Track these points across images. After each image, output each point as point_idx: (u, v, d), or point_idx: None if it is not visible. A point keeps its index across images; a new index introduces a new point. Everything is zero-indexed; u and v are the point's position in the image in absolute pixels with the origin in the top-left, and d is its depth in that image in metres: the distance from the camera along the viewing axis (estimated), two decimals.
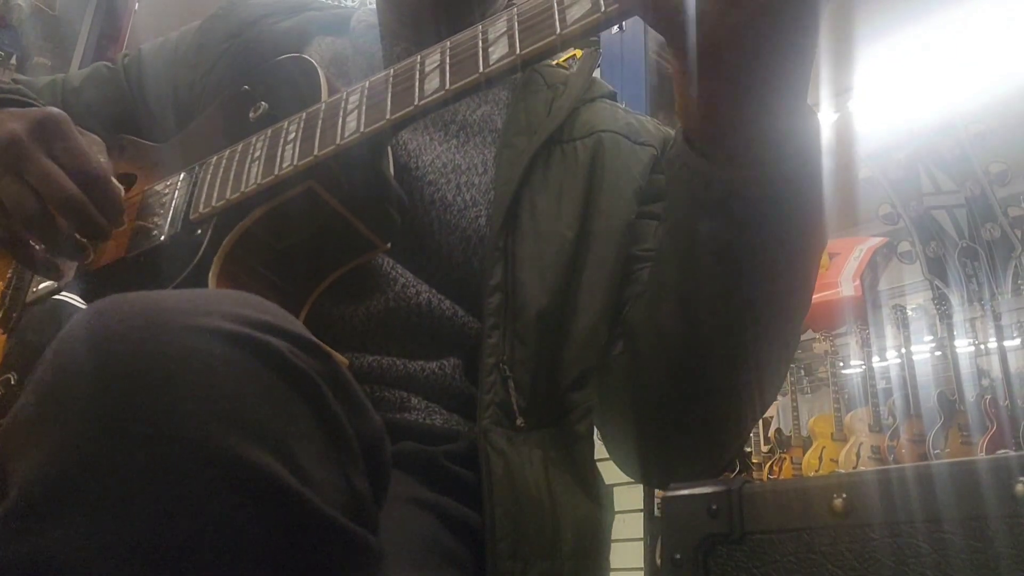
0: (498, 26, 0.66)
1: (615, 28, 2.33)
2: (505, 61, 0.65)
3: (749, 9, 0.54)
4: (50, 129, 0.77)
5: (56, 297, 0.88)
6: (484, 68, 0.65)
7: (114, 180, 0.79)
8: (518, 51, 0.64)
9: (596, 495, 0.84)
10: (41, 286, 0.91)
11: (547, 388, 0.82)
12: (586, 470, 0.84)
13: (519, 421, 0.78)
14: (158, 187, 0.87)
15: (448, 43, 0.70)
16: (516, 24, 0.65)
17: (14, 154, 0.76)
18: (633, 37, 2.42)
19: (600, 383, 0.85)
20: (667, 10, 0.56)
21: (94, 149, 0.82)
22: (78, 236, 0.79)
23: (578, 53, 2.17)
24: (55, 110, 0.80)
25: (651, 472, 0.86)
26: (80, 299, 0.86)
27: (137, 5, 2.95)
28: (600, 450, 0.87)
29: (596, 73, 1.05)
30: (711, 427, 0.77)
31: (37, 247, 0.80)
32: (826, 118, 4.24)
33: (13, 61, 2.59)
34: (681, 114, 0.63)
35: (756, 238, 0.64)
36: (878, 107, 3.96)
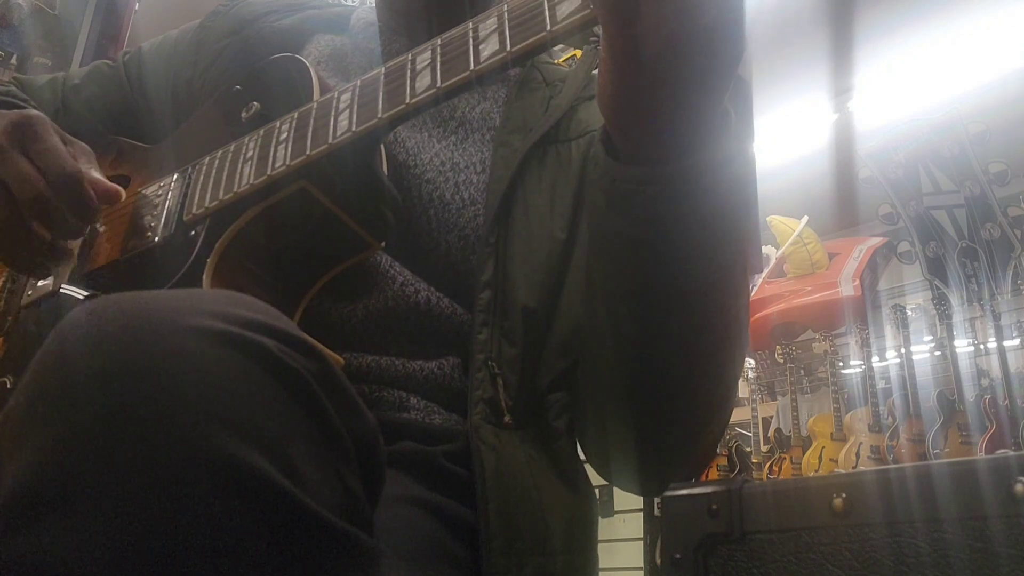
0: (488, 23, 0.66)
1: None
2: (496, 58, 0.64)
3: (696, 20, 0.55)
4: (26, 130, 0.77)
5: (54, 299, 0.88)
6: (475, 66, 0.64)
7: (91, 180, 0.79)
8: (508, 48, 0.63)
9: (581, 490, 0.84)
10: (38, 285, 0.90)
11: (530, 388, 0.82)
12: (569, 466, 0.84)
13: (507, 419, 0.78)
14: (151, 189, 0.87)
15: (439, 40, 0.69)
16: (506, 21, 0.64)
17: None
18: None
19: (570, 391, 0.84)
20: (627, 13, 0.57)
21: (81, 156, 0.82)
22: (55, 237, 0.79)
23: (578, 53, 2.16)
24: (34, 112, 0.80)
25: (624, 480, 0.85)
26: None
27: (137, 5, 2.94)
28: None
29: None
30: (667, 426, 0.75)
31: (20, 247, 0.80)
32: (826, 118, 4.24)
33: (13, 61, 2.58)
34: (600, 104, 0.63)
35: (660, 237, 0.65)
36: (878, 107, 3.96)
